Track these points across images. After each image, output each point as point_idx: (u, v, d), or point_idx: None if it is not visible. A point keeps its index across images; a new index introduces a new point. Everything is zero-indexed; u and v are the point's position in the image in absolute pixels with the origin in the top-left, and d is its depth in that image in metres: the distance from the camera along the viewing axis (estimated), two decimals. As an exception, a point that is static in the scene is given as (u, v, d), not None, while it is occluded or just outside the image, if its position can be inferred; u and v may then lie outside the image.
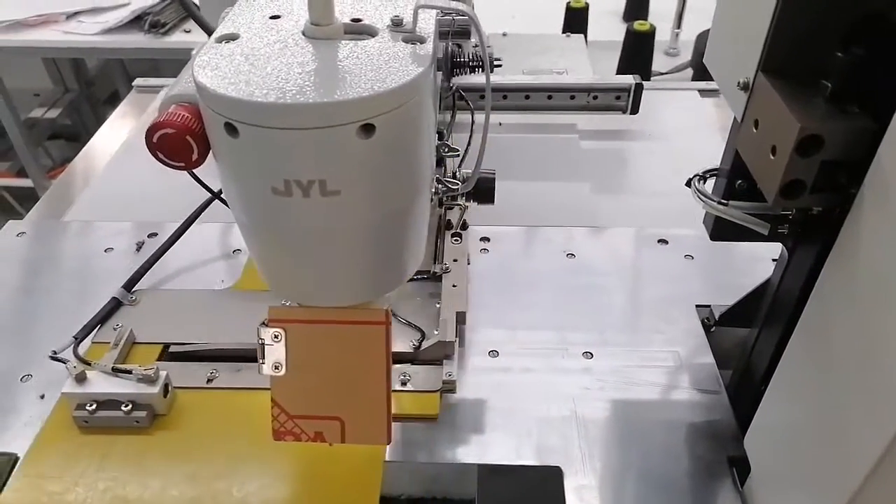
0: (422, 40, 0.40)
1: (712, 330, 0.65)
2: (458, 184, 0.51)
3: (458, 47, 0.43)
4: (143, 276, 0.68)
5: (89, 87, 2.29)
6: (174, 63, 1.64)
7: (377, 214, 0.40)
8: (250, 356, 0.55)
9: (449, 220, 0.72)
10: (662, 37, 1.24)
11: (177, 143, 0.39)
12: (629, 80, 0.91)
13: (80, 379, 0.54)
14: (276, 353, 0.45)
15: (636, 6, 1.49)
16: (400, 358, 0.60)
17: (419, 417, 0.57)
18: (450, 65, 0.45)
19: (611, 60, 1.21)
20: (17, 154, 1.90)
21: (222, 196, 0.51)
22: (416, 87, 0.37)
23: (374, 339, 0.45)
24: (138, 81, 1.07)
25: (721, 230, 0.50)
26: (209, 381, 0.58)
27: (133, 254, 0.73)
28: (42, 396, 0.58)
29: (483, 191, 0.58)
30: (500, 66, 0.55)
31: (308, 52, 0.38)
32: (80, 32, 1.65)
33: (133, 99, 1.05)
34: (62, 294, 0.69)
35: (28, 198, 1.96)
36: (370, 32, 0.41)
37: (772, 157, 0.39)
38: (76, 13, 1.70)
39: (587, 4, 1.28)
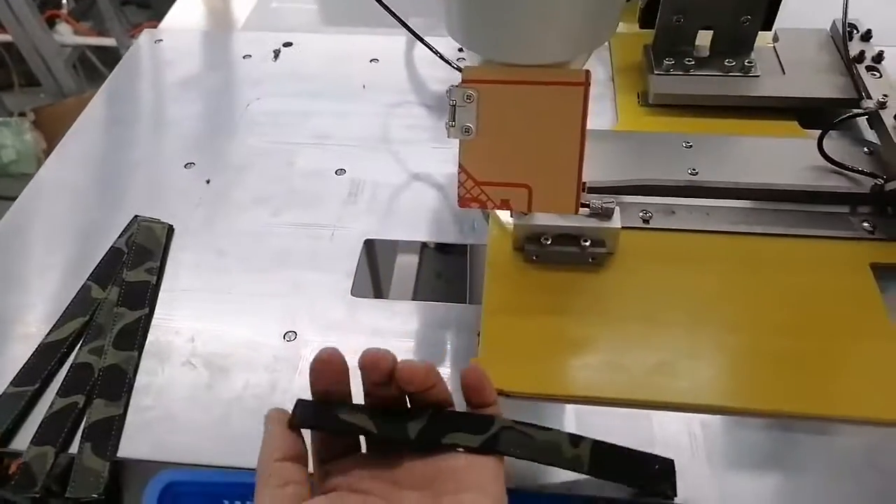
0: None
1: None
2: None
3: None
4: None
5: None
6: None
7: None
8: (679, 192, 0.54)
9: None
10: None
11: None
12: None
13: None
14: (466, 115, 0.45)
15: None
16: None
17: None
18: None
19: None
20: (102, 14, 1.89)
21: None
22: None
23: (570, 102, 0.43)
24: None
25: None
26: (645, 221, 0.53)
27: (270, 61, 0.73)
28: (208, 181, 0.60)
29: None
30: None
31: None
32: None
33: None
34: (210, 92, 0.70)
35: (111, 61, 1.97)
36: None
37: None
38: None
39: None
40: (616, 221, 0.50)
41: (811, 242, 0.52)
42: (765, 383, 0.44)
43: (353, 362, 0.48)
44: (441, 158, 0.61)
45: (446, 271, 1.21)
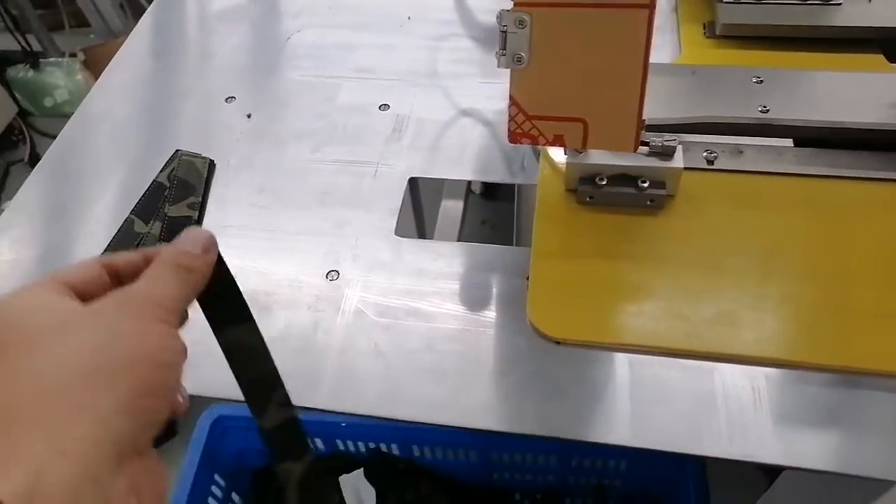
0: None
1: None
2: None
3: None
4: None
5: None
6: None
7: None
8: (748, 130, 0.50)
9: None
10: None
11: None
12: None
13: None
14: (518, 42, 0.41)
15: None
16: None
17: None
18: None
19: None
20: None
21: None
22: None
23: (633, 27, 0.40)
24: None
25: None
26: (710, 162, 0.49)
27: (312, -8, 0.70)
28: (249, 116, 0.58)
29: None
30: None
31: None
32: None
33: None
34: (250, 24, 0.68)
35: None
36: None
37: None
38: None
39: None
40: (678, 161, 0.46)
41: (894, 187, 0.47)
42: (835, 337, 0.41)
43: (397, 303, 0.47)
44: (490, 94, 0.58)
45: (492, 218, 1.19)
